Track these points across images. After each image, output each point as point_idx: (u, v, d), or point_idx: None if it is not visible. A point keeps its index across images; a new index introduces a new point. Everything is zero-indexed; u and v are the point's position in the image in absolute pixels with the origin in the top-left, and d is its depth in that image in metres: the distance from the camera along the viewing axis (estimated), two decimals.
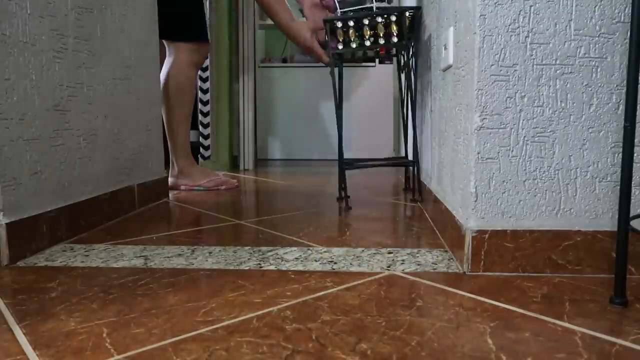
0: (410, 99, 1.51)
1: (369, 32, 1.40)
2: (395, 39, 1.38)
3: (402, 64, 1.48)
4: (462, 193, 0.98)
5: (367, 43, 1.41)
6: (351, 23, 1.39)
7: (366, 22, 1.38)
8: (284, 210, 1.55)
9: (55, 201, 1.14)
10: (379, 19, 1.39)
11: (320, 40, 1.79)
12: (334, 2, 1.41)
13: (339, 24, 1.41)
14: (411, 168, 1.60)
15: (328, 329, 0.67)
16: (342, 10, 1.41)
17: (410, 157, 1.87)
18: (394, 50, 1.74)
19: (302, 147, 3.54)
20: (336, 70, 1.65)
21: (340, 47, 1.44)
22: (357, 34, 1.41)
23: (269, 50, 3.87)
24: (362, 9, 1.41)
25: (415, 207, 1.60)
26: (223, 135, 2.91)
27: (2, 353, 0.60)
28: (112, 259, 1.00)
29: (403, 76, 1.80)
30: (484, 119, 0.89)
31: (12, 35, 0.99)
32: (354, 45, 1.41)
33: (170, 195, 1.89)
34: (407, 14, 1.41)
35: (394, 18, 1.37)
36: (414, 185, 1.62)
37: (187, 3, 1.97)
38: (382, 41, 1.41)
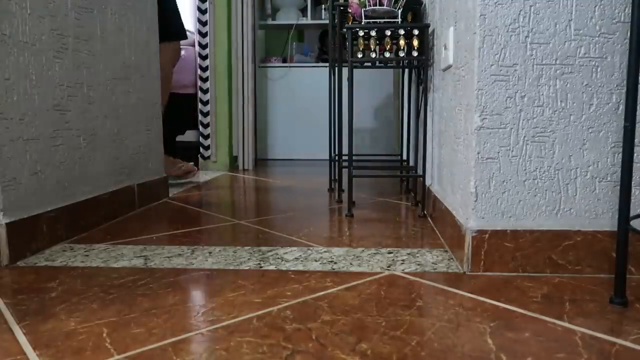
0: (424, 113, 1.53)
1: (389, 43, 1.44)
2: (415, 53, 1.43)
3: (420, 76, 1.53)
4: (462, 193, 0.98)
5: (387, 54, 1.46)
6: (373, 33, 1.43)
7: (388, 33, 1.42)
8: (284, 210, 1.55)
9: (55, 201, 1.14)
10: (402, 32, 1.43)
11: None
12: (361, 10, 1.43)
13: (361, 33, 1.46)
14: (418, 177, 1.57)
15: (328, 329, 0.67)
16: (366, 19, 1.43)
17: (411, 162, 1.87)
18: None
19: (302, 147, 3.54)
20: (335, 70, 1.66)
21: (360, 55, 1.50)
22: (377, 43, 1.46)
23: (269, 50, 3.87)
24: (386, 22, 1.44)
25: (416, 208, 1.60)
26: (223, 135, 2.91)
27: (2, 353, 0.60)
28: (112, 259, 1.00)
29: (412, 85, 1.81)
30: (484, 119, 0.89)
31: (12, 35, 0.99)
32: (373, 55, 1.46)
33: (170, 195, 1.89)
34: (428, 30, 1.45)
35: (416, 32, 1.41)
36: (423, 201, 1.48)
37: (163, 3, 2.09)
38: (402, 54, 1.45)
